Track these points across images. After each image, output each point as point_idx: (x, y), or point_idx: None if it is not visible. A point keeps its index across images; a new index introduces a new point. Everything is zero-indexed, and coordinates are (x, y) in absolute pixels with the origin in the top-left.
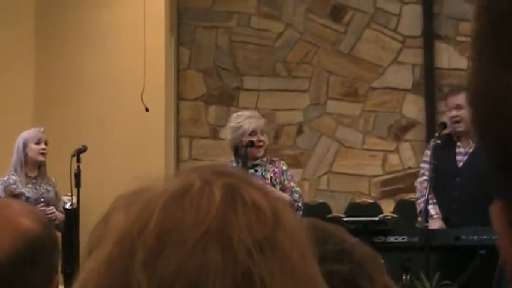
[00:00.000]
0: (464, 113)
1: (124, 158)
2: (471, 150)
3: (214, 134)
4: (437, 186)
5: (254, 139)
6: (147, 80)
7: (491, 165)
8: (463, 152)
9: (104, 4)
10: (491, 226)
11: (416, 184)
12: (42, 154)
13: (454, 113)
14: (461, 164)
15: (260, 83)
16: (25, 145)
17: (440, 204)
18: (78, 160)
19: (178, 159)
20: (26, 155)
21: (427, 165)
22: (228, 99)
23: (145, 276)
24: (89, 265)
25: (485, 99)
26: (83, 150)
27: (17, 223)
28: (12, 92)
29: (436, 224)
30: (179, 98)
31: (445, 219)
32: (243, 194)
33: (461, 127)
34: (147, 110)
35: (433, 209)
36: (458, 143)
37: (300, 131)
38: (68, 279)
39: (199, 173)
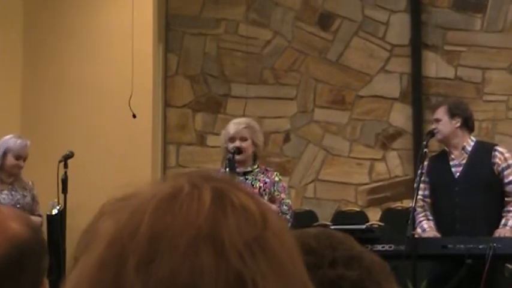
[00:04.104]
0: (440, 125)
1: (111, 164)
2: (464, 161)
3: (202, 140)
4: (438, 199)
5: (232, 145)
6: (134, 86)
7: None
8: (457, 164)
9: (92, 11)
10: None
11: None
12: (18, 168)
13: (433, 126)
14: (458, 174)
15: (248, 91)
16: (5, 154)
17: (443, 213)
18: (66, 166)
19: (165, 166)
20: (3, 163)
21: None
22: (215, 106)
23: (138, 281)
24: (78, 269)
25: None
26: (70, 156)
27: (5, 227)
28: None
29: (429, 235)
30: (166, 104)
31: (449, 227)
32: (232, 197)
33: (438, 138)
34: (134, 116)
35: (426, 223)
36: (452, 156)
37: (287, 139)
38: (54, 284)
39: (188, 177)
